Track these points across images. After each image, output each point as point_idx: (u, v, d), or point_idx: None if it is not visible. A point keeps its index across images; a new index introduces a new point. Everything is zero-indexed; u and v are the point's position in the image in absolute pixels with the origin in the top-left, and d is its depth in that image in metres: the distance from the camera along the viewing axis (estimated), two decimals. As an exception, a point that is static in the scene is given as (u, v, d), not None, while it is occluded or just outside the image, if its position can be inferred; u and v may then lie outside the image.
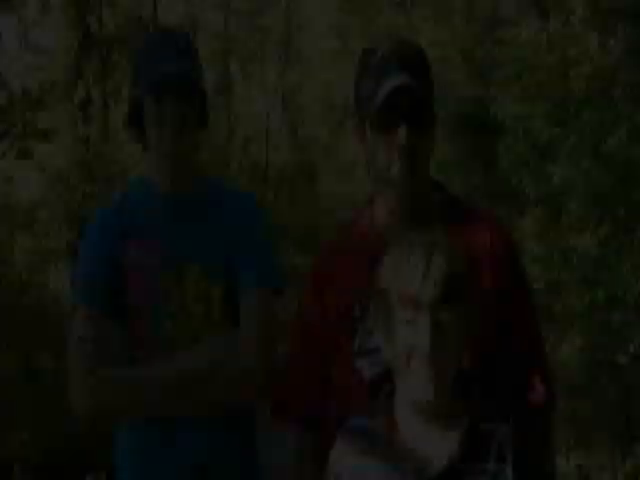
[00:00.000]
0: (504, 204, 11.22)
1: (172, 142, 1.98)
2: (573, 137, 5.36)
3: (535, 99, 5.72)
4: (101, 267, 2.01)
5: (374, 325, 1.63)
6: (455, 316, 1.51)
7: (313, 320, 1.88)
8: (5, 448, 4.70)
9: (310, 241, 15.14)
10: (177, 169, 2.06)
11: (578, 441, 5.19)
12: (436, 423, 1.54)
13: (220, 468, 2.02)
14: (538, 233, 6.36)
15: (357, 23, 20.97)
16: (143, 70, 1.98)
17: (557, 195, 6.15)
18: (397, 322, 1.52)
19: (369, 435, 1.57)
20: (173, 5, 18.99)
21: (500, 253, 1.79)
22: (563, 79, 5.70)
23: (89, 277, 2.02)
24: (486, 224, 1.83)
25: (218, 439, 2.02)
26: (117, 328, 2.06)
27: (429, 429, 1.54)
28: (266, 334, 1.98)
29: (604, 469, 4.87)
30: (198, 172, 2.14)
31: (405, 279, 1.49)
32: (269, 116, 21.49)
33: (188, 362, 1.94)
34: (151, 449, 2.03)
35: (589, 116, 5.42)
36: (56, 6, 8.95)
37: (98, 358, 1.90)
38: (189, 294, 2.03)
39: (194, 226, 2.06)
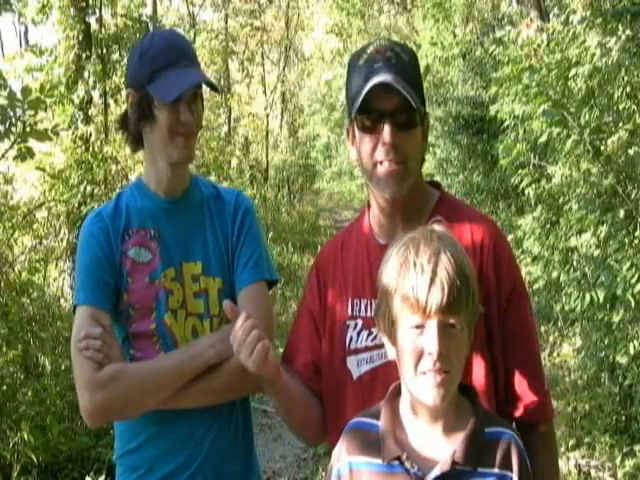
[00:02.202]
0: (504, 204, 11.23)
1: (184, 150, 2.02)
2: (573, 137, 5.34)
3: (535, 99, 5.71)
4: (102, 267, 2.03)
5: (377, 327, 1.62)
6: (462, 320, 1.50)
7: (313, 307, 1.94)
8: (5, 448, 4.69)
9: (309, 241, 15.16)
10: (177, 172, 2.09)
11: (578, 441, 5.18)
12: (441, 426, 1.54)
13: (220, 456, 2.07)
14: (538, 233, 6.35)
15: (357, 23, 21.01)
16: (152, 77, 1.97)
17: (557, 195, 6.14)
18: (403, 326, 1.51)
19: (373, 435, 1.57)
20: (173, 5, 19.02)
21: (493, 254, 1.77)
22: (563, 79, 5.69)
23: (90, 278, 2.03)
24: (477, 224, 1.81)
25: (218, 427, 2.07)
26: (119, 326, 2.08)
27: (434, 431, 1.54)
28: (264, 325, 1.99)
29: (604, 469, 4.86)
30: (189, 172, 2.18)
31: (412, 283, 1.48)
32: (269, 116, 21.47)
33: (193, 355, 1.97)
34: (153, 439, 2.06)
35: (589, 116, 5.41)
36: (56, 6, 8.94)
37: (106, 354, 1.92)
38: (189, 291, 2.06)
39: (191, 225, 2.10)
